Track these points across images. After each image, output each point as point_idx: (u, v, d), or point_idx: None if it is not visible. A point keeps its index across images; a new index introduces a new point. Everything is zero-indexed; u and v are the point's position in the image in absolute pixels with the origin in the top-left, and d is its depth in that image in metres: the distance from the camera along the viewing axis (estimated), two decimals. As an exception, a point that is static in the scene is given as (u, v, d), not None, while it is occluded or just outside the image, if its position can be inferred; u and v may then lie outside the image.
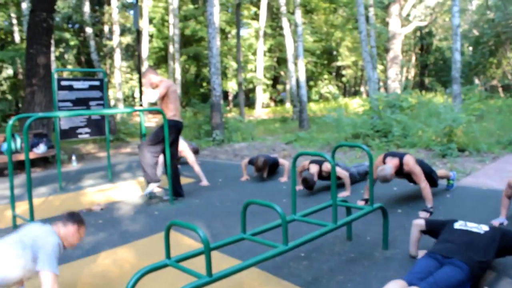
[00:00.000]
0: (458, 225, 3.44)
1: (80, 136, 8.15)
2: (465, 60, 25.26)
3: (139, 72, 14.21)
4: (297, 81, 16.44)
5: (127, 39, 29.30)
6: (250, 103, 31.10)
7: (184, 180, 7.55)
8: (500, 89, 26.67)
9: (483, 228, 3.35)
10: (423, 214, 4.80)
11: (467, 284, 2.90)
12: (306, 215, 3.80)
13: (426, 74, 32.85)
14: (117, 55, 23.85)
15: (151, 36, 26.88)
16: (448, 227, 3.44)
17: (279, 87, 32.47)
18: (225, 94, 30.17)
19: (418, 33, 30.24)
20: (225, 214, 5.40)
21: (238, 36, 20.41)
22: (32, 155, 8.83)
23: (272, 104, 32.08)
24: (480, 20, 24.94)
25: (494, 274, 3.34)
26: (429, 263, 2.98)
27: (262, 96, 26.95)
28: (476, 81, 27.77)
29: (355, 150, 9.96)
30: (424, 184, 4.89)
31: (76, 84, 8.07)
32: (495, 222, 4.39)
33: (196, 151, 9.18)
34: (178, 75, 24.12)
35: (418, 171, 4.91)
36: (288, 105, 27.30)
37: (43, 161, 9.73)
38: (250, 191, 6.59)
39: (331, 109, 16.10)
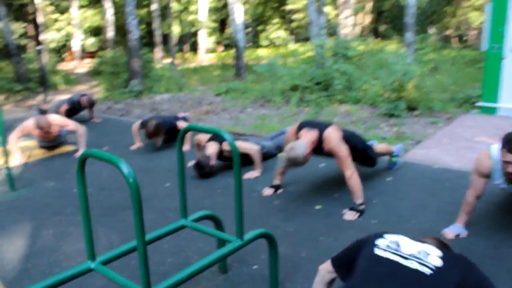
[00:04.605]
0: (383, 246, 1.81)
1: None
2: (421, 8, 23.82)
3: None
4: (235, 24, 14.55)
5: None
6: (195, 48, 28.69)
7: (62, 149, 5.82)
8: (454, 40, 25.56)
9: (432, 261, 1.71)
10: (350, 215, 3.33)
11: None
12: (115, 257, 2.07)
13: (382, 21, 31.35)
14: None
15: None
16: (366, 257, 1.80)
17: (228, 31, 30.10)
18: (167, 38, 27.60)
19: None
20: (75, 207, 3.77)
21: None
22: None
23: (221, 49, 29.77)
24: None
25: None
26: None
27: (206, 40, 24.72)
28: (431, 30, 26.52)
29: (286, 102, 8.41)
30: (349, 173, 3.36)
31: None
32: (449, 233, 2.95)
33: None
34: (110, 15, 21.52)
35: (343, 153, 3.36)
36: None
37: None
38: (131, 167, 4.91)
39: (278, 56, 14.31)
